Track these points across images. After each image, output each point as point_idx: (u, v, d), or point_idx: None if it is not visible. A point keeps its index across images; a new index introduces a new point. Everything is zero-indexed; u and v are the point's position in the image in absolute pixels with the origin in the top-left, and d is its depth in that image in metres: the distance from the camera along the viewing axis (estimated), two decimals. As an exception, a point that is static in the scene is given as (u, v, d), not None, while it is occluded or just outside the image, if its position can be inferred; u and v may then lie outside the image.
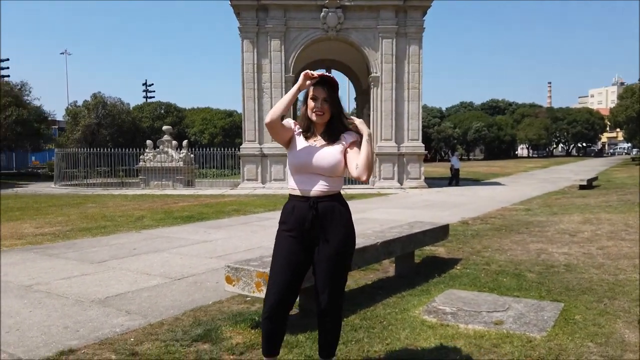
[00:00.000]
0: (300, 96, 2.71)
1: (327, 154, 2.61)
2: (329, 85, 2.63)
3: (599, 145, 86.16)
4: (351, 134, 2.68)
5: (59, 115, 42.26)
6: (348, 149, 2.65)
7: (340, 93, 2.73)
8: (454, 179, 21.62)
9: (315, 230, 2.61)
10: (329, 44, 20.93)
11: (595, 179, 19.71)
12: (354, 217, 2.75)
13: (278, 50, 19.69)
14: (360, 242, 4.76)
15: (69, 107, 37.60)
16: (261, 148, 19.74)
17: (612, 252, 6.51)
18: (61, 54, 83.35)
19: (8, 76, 40.84)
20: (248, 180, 19.90)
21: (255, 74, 19.71)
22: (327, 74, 2.64)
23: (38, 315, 4.17)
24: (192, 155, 22.15)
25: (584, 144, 75.84)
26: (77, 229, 9.25)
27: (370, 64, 20.08)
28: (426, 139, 31.29)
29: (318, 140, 2.67)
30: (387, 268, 5.73)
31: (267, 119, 2.61)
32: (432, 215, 10.60)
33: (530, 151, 76.77)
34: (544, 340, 3.44)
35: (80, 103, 36.96)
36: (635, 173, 27.33)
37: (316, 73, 2.59)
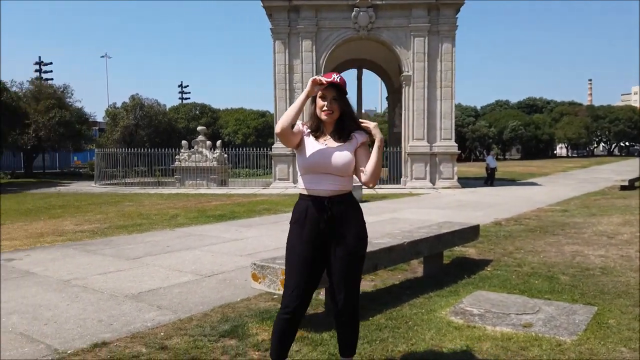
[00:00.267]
0: None
1: (339, 153, 2.59)
2: (338, 86, 2.59)
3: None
4: (361, 134, 2.67)
5: (99, 116, 43.89)
6: (357, 149, 2.63)
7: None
8: (490, 179, 21.21)
9: (330, 231, 2.61)
10: (360, 43, 20.88)
11: (637, 179, 18.91)
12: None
13: (309, 51, 19.79)
14: (387, 241, 4.76)
15: (109, 108, 38.78)
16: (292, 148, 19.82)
17: (652, 255, 6.27)
18: (101, 57, 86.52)
19: (52, 79, 42.41)
20: (280, 179, 20.07)
21: (287, 74, 19.88)
22: (336, 79, 2.55)
23: (75, 308, 4.35)
24: (225, 155, 22.51)
25: (627, 143, 73.00)
26: (114, 226, 9.57)
27: (402, 62, 19.93)
28: (460, 139, 30.83)
29: (328, 140, 2.65)
30: (416, 268, 5.69)
31: (278, 128, 2.55)
32: (464, 215, 10.43)
33: (570, 151, 74.43)
34: (574, 344, 3.36)
35: (119, 105, 38.09)
36: (682, 173, 26.09)
37: (324, 79, 2.54)
